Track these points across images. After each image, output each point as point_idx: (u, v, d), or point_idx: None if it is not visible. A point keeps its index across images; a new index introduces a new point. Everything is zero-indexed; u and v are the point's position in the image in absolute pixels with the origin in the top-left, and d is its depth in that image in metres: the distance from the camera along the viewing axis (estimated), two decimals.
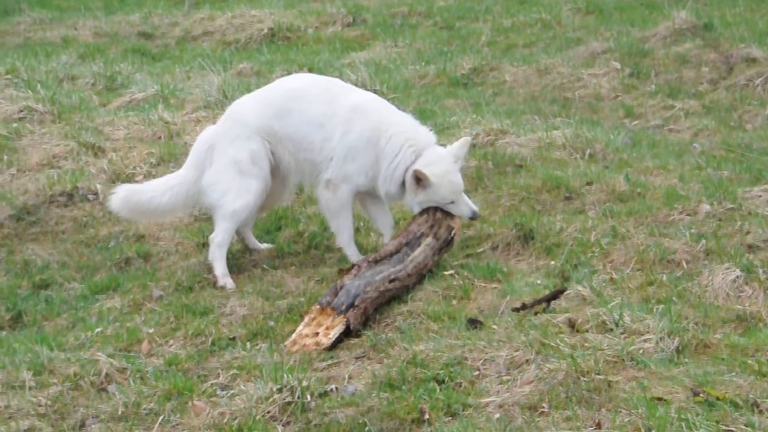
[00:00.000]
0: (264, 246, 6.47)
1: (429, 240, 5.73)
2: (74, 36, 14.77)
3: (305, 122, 5.94)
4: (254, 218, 6.49)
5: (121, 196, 6.11)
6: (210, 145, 6.11)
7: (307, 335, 5.04)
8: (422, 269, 5.63)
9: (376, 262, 5.49)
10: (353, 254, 6.08)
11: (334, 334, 5.00)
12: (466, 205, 5.91)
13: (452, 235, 5.90)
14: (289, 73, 10.57)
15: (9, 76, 9.83)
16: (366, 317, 5.19)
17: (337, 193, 5.95)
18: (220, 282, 5.94)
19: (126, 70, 10.98)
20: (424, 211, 5.90)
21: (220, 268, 5.99)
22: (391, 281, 5.37)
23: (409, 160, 5.83)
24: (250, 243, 6.47)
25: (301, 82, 6.20)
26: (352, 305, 5.10)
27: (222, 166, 6.01)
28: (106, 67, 10.99)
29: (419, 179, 5.74)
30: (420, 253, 5.63)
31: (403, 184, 5.89)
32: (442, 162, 5.84)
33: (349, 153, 5.89)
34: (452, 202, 5.86)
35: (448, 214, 5.90)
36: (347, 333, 5.07)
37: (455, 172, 5.87)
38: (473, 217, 5.94)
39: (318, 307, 5.17)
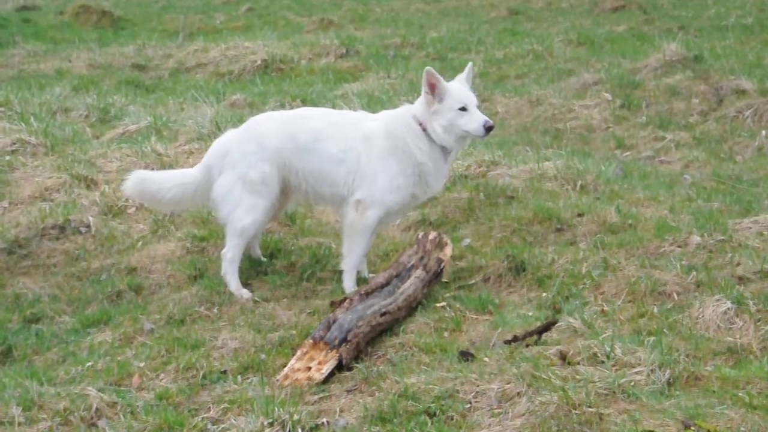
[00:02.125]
0: (264, 259, 6.73)
1: (419, 272, 5.75)
2: (68, 68, 14.84)
3: (327, 160, 6.13)
4: (262, 231, 6.73)
5: (132, 182, 6.39)
6: (225, 151, 6.26)
7: (299, 369, 5.02)
8: (412, 302, 5.64)
9: (367, 294, 5.50)
10: (350, 283, 6.14)
11: (327, 369, 4.98)
12: (479, 115, 6.01)
13: (441, 267, 5.93)
14: (282, 106, 10.65)
15: (2, 109, 9.87)
16: (358, 352, 5.18)
17: (364, 215, 6.08)
18: (236, 295, 6.17)
19: (119, 102, 11.03)
20: (415, 242, 5.96)
21: (233, 283, 6.24)
22: (382, 315, 5.36)
23: (427, 110, 6.05)
24: (254, 253, 6.71)
25: (321, 120, 6.28)
26: (344, 340, 5.09)
27: (232, 180, 6.18)
28: (100, 99, 11.03)
29: (431, 85, 5.97)
30: (410, 286, 5.64)
31: (444, 132, 6.05)
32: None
33: (376, 169, 6.06)
34: (464, 109, 5.99)
35: (437, 246, 5.94)
36: (339, 367, 5.06)
37: (463, 84, 6.14)
38: (487, 126, 5.98)
39: (310, 341, 5.16)
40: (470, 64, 6.33)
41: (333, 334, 5.11)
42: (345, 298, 5.52)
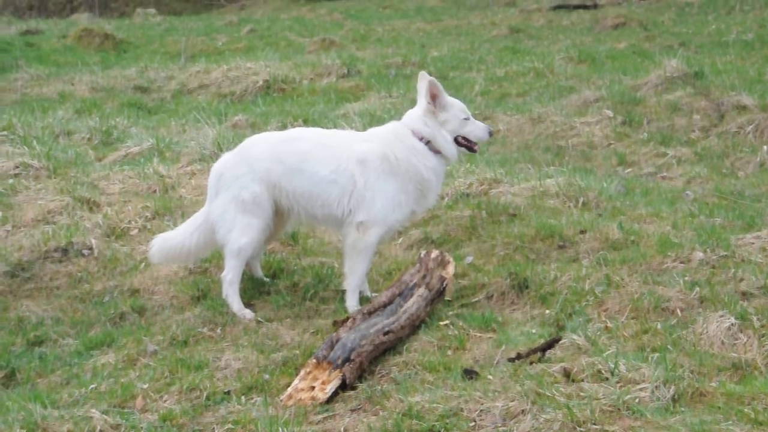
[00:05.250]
0: (267, 279, 6.74)
1: (421, 291, 5.74)
2: (71, 91, 14.91)
3: (317, 182, 6.12)
4: (262, 251, 6.74)
5: (156, 248, 6.44)
6: (220, 174, 6.31)
7: (302, 389, 5.01)
8: (415, 321, 5.63)
9: (370, 313, 5.49)
10: (353, 303, 6.14)
11: (330, 388, 4.97)
12: (482, 124, 6.39)
13: (444, 285, 5.92)
14: (284, 126, 10.68)
15: (5, 133, 9.91)
16: (362, 371, 5.17)
17: (366, 235, 6.08)
18: (239, 315, 6.17)
19: (122, 124, 11.07)
20: (417, 261, 5.96)
21: (235, 304, 6.24)
22: (385, 334, 5.36)
23: (433, 122, 6.17)
24: (255, 274, 6.71)
25: (309, 141, 6.26)
26: (348, 359, 5.08)
27: (226, 201, 6.22)
28: (102, 121, 11.07)
29: (434, 96, 6.12)
30: (413, 304, 5.64)
31: (452, 142, 6.23)
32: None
33: (375, 191, 6.06)
34: (467, 119, 6.26)
35: (440, 264, 5.95)
36: (343, 387, 5.05)
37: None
38: (490, 131, 6.41)
39: (314, 360, 5.15)
40: (424, 77, 6.28)
41: (336, 353, 5.11)
42: (348, 318, 5.52)
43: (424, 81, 6.22)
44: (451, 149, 6.23)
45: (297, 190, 6.17)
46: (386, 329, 5.37)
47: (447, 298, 6.12)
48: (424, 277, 5.82)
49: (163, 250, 6.42)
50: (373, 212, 6.07)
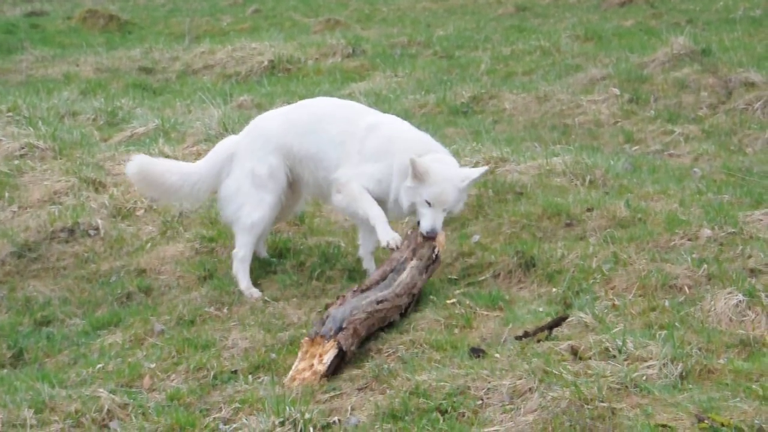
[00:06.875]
0: (274, 259, 6.72)
1: (413, 262, 5.68)
2: (76, 72, 14.88)
3: (326, 141, 6.12)
4: (269, 231, 6.69)
5: (137, 164, 6.34)
6: (230, 153, 6.31)
7: (304, 369, 5.01)
8: (411, 289, 5.59)
9: (363, 291, 5.46)
10: (385, 232, 5.87)
11: (328, 358, 4.97)
12: (431, 220, 5.76)
13: (436, 252, 5.82)
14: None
15: (10, 114, 9.87)
16: (359, 338, 5.14)
17: (346, 188, 5.99)
18: (246, 294, 6.17)
19: (127, 105, 11.04)
20: (404, 237, 5.88)
21: (244, 281, 6.25)
22: (379, 302, 5.33)
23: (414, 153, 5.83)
24: (260, 255, 6.70)
25: (325, 105, 6.37)
26: (340, 329, 5.07)
27: (239, 178, 6.23)
28: (107, 102, 11.05)
29: (416, 171, 5.69)
30: (407, 275, 5.59)
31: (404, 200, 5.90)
32: (448, 164, 5.90)
33: (364, 159, 6.01)
34: (429, 206, 5.75)
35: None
36: (343, 357, 5.04)
37: (454, 183, 5.79)
38: (428, 233, 5.75)
39: (307, 339, 5.12)
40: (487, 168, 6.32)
41: (327, 326, 5.09)
42: (338, 297, 5.49)
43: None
44: (398, 199, 5.90)
45: (308, 151, 6.16)
46: (379, 299, 5.34)
47: (453, 277, 6.11)
48: (413, 250, 5.76)
49: (143, 173, 6.32)
50: (353, 171, 6.00)
